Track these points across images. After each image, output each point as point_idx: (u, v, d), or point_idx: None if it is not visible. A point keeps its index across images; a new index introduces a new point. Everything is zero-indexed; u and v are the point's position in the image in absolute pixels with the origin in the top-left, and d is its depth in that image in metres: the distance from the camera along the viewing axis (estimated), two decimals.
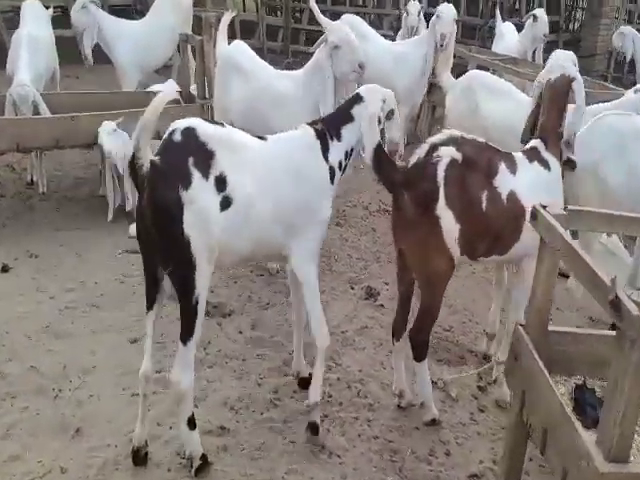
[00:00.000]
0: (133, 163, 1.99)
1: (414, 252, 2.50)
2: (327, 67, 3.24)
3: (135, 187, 2.11)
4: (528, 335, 2.04)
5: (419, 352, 2.57)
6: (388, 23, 9.51)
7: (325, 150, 2.43)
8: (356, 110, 2.51)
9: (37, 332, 3.03)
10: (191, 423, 2.27)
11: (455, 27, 4.81)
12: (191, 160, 2.05)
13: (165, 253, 2.10)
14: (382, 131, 2.55)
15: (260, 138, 2.37)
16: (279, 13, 9.96)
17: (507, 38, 6.75)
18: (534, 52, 6.52)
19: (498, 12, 7.53)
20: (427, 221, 2.39)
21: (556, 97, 2.70)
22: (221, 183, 2.11)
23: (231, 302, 3.49)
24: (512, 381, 2.12)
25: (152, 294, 2.29)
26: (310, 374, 2.88)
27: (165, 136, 2.15)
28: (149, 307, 2.32)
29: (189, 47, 4.89)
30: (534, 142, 2.73)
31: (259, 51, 7.96)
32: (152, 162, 2.01)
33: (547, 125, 2.71)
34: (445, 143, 2.46)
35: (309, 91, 3.38)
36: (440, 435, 2.63)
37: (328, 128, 2.47)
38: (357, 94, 2.57)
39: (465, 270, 4.20)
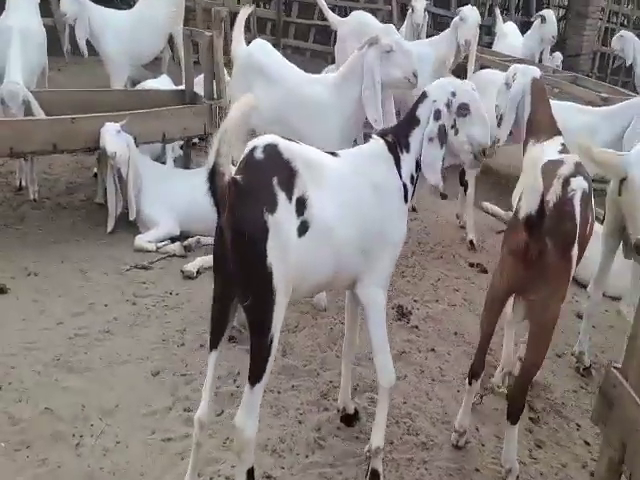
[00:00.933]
0: (213, 178, 1.74)
1: (544, 300, 2.21)
2: (377, 72, 2.95)
3: (215, 207, 1.85)
4: (627, 380, 1.86)
5: (516, 414, 2.34)
6: (380, 18, 9.24)
7: (397, 164, 2.19)
8: (420, 110, 2.23)
9: (47, 365, 2.69)
10: (251, 476, 2.00)
11: (478, 31, 4.61)
12: (276, 180, 1.82)
13: (245, 283, 1.84)
14: (445, 131, 2.19)
15: (333, 155, 2.13)
16: (266, 5, 9.57)
17: (510, 38, 6.62)
18: (541, 53, 6.41)
19: (498, 11, 7.39)
20: (564, 265, 2.18)
21: None
22: (301, 205, 1.87)
23: None
24: (607, 431, 1.94)
25: (220, 329, 2.04)
26: (356, 410, 2.67)
27: (245, 153, 1.90)
28: (214, 345, 2.04)
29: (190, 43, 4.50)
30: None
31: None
32: (234, 180, 1.76)
33: None
34: (574, 173, 2.26)
35: (345, 98, 3.10)
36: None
37: (398, 138, 2.21)
38: (423, 91, 2.28)
39: None
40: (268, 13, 8.77)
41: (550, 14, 6.14)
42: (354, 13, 5.49)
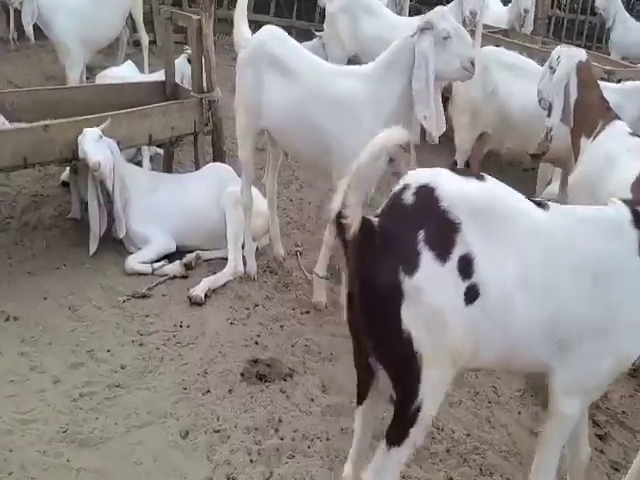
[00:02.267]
0: (339, 220, 1.42)
1: None
2: (432, 62, 2.50)
3: (344, 253, 1.51)
4: None
5: None
6: None
7: None
8: None
9: (52, 441, 2.19)
10: None
11: (485, 3, 4.21)
12: (422, 234, 1.44)
13: (377, 345, 1.54)
14: None
15: (539, 205, 1.64)
16: None
17: (493, 8, 6.28)
18: (521, 26, 6.11)
19: None
20: None
21: None
22: (467, 266, 1.47)
23: (286, 357, 2.81)
24: None
25: (364, 387, 1.76)
26: None
27: (393, 192, 1.54)
28: (359, 401, 1.81)
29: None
30: None
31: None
32: (368, 225, 1.44)
33: None
34: None
35: (385, 93, 2.62)
36: None
37: None
38: None
39: None
40: None
41: None
42: None
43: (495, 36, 5.10)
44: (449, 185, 1.50)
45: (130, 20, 5.63)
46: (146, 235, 3.33)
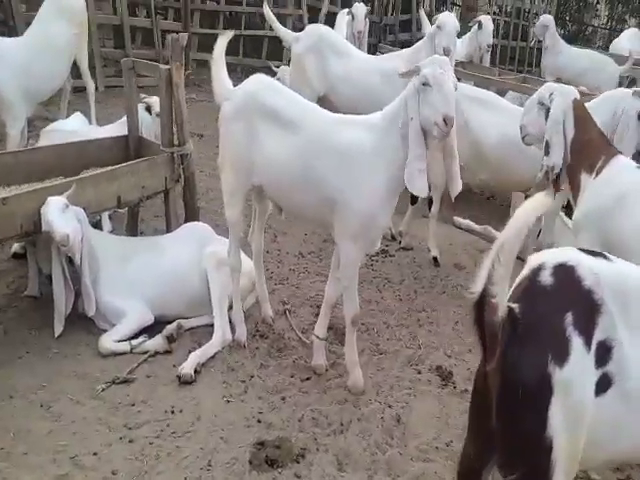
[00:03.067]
0: (480, 308, 1.32)
1: None
2: (411, 107, 2.39)
3: (480, 342, 1.35)
4: None
5: None
6: (290, 24, 8.67)
7: None
8: None
9: None
10: None
11: (456, 40, 4.22)
12: (569, 318, 1.32)
13: (511, 453, 1.37)
14: None
15: None
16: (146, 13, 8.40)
17: None
18: (480, 59, 6.25)
19: (422, 12, 7.16)
20: None
21: None
22: (604, 353, 1.34)
23: (294, 434, 2.56)
24: None
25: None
26: None
27: (526, 274, 1.43)
28: None
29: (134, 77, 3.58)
30: None
31: (155, 62, 6.70)
32: (511, 314, 1.33)
33: None
34: None
35: (392, 144, 2.48)
36: None
37: None
38: None
39: None
40: (172, 25, 7.77)
41: (487, 21, 5.97)
42: (310, 28, 4.92)
43: (457, 69, 5.17)
44: (587, 263, 1.40)
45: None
46: (120, 308, 2.99)
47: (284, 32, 4.92)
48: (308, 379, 2.92)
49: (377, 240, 2.78)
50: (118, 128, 4.04)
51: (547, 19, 7.56)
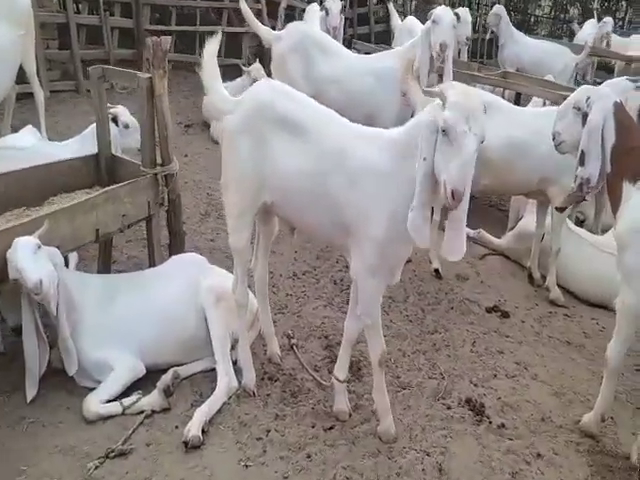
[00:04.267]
0: None
1: None
2: (426, 147, 2.04)
3: None
4: None
5: None
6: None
7: None
8: None
9: None
10: None
11: (454, 35, 3.92)
12: None
13: None
14: None
15: None
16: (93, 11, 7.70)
17: (418, 34, 6.10)
18: (458, 53, 6.03)
19: (391, 5, 6.87)
20: None
21: None
22: None
23: None
24: None
25: None
26: None
27: None
28: None
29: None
30: None
31: (105, 63, 6.09)
32: None
33: None
34: None
35: (406, 166, 2.14)
36: None
37: None
38: None
39: (529, 332, 3.50)
40: (122, 22, 7.12)
41: (465, 13, 5.74)
42: (293, 26, 4.51)
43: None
44: None
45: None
46: (105, 361, 2.54)
47: (264, 30, 4.50)
48: (332, 428, 2.57)
49: (397, 271, 2.44)
50: (79, 144, 3.54)
51: (499, 9, 7.49)
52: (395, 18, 6.77)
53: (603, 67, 9.31)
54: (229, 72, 7.96)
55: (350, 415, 2.63)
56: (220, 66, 8.23)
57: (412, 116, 4.05)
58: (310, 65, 4.08)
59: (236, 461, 2.34)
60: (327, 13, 5.38)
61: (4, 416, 2.40)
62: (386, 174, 2.18)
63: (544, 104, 5.18)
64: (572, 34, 11.73)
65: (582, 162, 2.52)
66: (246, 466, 2.33)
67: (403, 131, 2.21)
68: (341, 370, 2.60)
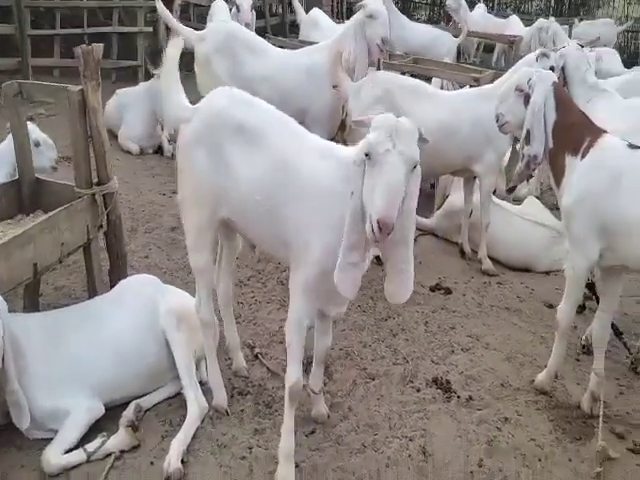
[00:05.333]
0: None
1: None
2: (355, 180, 1.90)
3: None
4: None
5: None
6: (142, 17, 7.76)
7: None
8: None
9: None
10: None
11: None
12: None
13: None
14: None
15: None
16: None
17: (325, 27, 6.15)
18: None
19: (297, 1, 6.82)
20: None
21: None
22: None
23: None
24: None
25: None
26: None
27: None
28: None
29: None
30: None
31: None
32: None
33: None
34: None
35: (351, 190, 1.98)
36: None
37: None
38: None
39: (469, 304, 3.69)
40: (4, 28, 6.39)
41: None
42: (216, 25, 4.31)
43: None
44: None
45: None
46: (59, 407, 2.30)
47: (186, 31, 4.26)
48: (313, 432, 2.55)
49: (338, 304, 2.29)
50: None
51: None
52: (300, 11, 6.75)
53: (490, 49, 9.94)
54: (125, 75, 7.59)
55: (328, 416, 2.62)
56: (114, 69, 7.87)
57: (343, 109, 4.10)
58: (237, 64, 3.95)
59: None
60: (238, 9, 5.24)
61: None
62: (331, 198, 2.03)
63: (442, 86, 5.45)
64: (449, 20, 12.45)
65: (528, 141, 2.66)
66: None
67: (356, 153, 1.98)
68: (315, 383, 2.56)
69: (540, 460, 2.51)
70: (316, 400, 2.58)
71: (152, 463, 2.30)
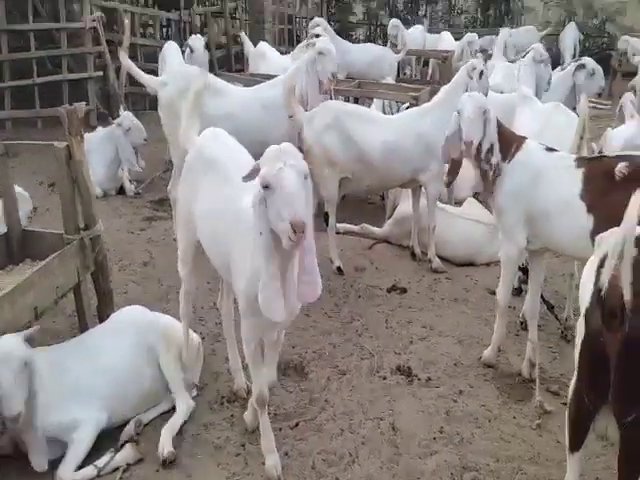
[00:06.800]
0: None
1: None
2: (259, 218, 2.12)
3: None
4: None
5: None
6: (91, 62, 7.98)
7: None
8: None
9: None
10: None
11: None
12: None
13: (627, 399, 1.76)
14: None
15: None
16: None
17: (271, 58, 6.55)
18: None
19: (243, 34, 7.20)
20: None
21: None
22: None
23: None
24: None
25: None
26: None
27: None
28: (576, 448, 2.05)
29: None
30: None
31: None
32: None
33: None
34: None
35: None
36: None
37: None
38: None
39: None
40: None
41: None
42: (177, 69, 4.64)
43: None
44: None
45: None
46: (71, 419, 2.56)
47: (147, 78, 4.58)
48: (297, 425, 2.91)
49: (271, 332, 2.53)
50: None
51: (320, 20, 8.01)
52: (248, 45, 7.17)
53: (426, 62, 10.66)
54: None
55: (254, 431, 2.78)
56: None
57: (298, 135, 4.53)
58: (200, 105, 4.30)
59: None
60: (192, 50, 5.60)
61: None
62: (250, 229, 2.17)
63: (383, 108, 5.95)
64: (385, 36, 13.13)
65: (493, 152, 3.09)
66: None
67: (253, 196, 2.15)
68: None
69: (490, 421, 2.96)
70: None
71: (157, 470, 2.61)
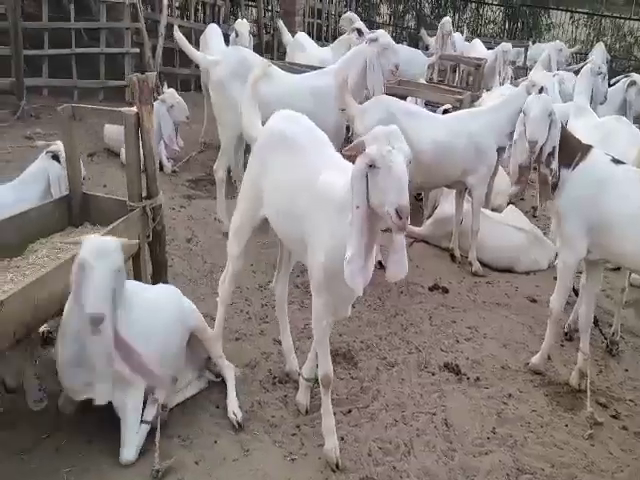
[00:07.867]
0: None
1: None
2: (358, 193, 2.11)
3: None
4: None
5: None
6: (128, 38, 7.96)
7: None
8: None
9: None
10: None
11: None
12: None
13: None
14: None
15: None
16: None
17: (311, 49, 6.50)
18: None
19: (281, 22, 7.19)
20: None
21: None
22: None
23: (373, 469, 2.55)
24: None
25: None
26: None
27: None
28: None
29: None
30: None
31: None
32: None
33: None
34: None
35: None
36: None
37: None
38: None
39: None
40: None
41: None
42: (230, 50, 4.59)
43: None
44: None
45: None
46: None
47: (199, 55, 4.54)
48: (350, 412, 2.90)
49: (344, 307, 2.54)
50: (25, 184, 3.38)
51: (352, 15, 7.93)
52: (285, 34, 7.13)
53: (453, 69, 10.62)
54: (112, 95, 7.77)
55: (307, 411, 2.83)
56: (101, 88, 8.03)
57: (347, 129, 4.48)
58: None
59: (281, 458, 2.57)
60: (237, 34, 5.56)
61: (35, 473, 2.34)
62: (338, 208, 2.23)
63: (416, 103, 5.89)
64: (411, 39, 12.99)
65: (553, 156, 3.03)
66: (292, 460, 2.57)
67: (355, 168, 2.14)
68: (307, 369, 2.84)
69: (542, 427, 2.94)
70: (303, 389, 2.84)
71: (216, 442, 2.60)
